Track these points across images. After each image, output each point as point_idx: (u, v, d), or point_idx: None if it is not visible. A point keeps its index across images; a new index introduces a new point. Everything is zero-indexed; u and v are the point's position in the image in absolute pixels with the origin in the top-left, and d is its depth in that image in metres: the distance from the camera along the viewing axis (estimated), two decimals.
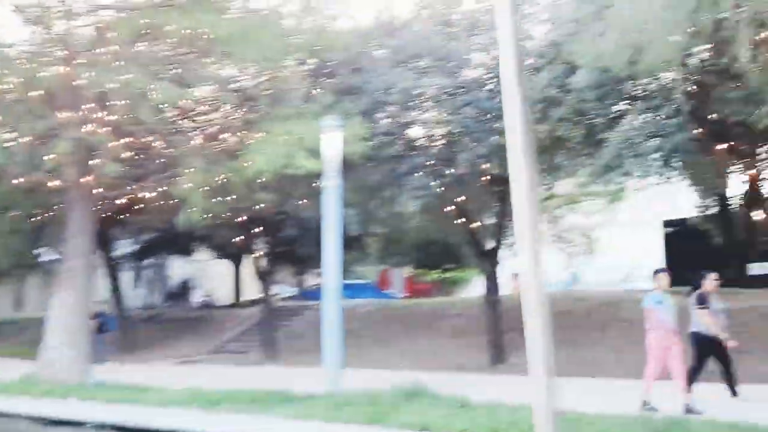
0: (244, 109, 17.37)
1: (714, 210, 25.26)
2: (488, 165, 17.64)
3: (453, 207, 18.56)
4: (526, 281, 6.61)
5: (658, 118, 12.56)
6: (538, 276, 6.48)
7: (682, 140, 12.11)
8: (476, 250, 19.38)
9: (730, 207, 22.68)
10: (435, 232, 25.63)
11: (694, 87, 12.06)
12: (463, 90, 15.85)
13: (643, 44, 9.69)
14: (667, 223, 33.26)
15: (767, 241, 25.28)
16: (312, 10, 17.69)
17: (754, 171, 15.06)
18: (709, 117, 12.64)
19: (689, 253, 30.11)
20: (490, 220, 19.56)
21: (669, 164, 12.41)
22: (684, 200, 29.56)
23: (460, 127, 15.43)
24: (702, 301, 10.75)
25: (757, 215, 18.73)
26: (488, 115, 15.31)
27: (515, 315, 20.41)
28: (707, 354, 10.73)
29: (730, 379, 11.10)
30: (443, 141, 16.50)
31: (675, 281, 34.43)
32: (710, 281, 11.08)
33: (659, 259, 34.20)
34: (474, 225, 19.25)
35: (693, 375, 10.60)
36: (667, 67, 10.52)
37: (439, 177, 16.33)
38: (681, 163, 12.87)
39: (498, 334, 18.73)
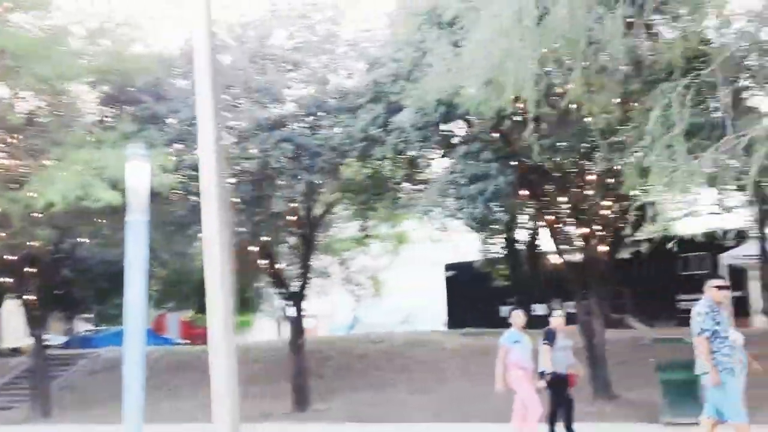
0: (27, 133, 15.42)
1: (501, 253, 26.55)
2: (296, 205, 17.13)
3: (258, 247, 17.73)
4: (215, 327, 6.23)
5: (475, 162, 12.76)
6: (228, 324, 6.15)
7: (502, 184, 12.37)
8: (281, 292, 18.62)
9: (518, 251, 23.92)
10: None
11: (514, 131, 12.43)
12: (273, 125, 15.17)
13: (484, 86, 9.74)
14: (449, 266, 34.44)
15: (551, 284, 26.91)
16: (106, 32, 16.29)
17: (552, 217, 15.79)
18: (524, 162, 13.07)
19: (470, 295, 31.41)
20: (296, 262, 18.95)
21: (489, 207, 12.59)
22: (467, 244, 30.77)
23: (273, 163, 14.71)
24: (548, 338, 10.72)
25: (552, 260, 19.75)
26: (301, 153, 14.80)
27: (316, 359, 19.90)
28: (562, 391, 10.71)
29: (568, 419, 11.09)
30: (253, 177, 15.65)
31: (454, 323, 35.43)
32: (557, 318, 11.07)
33: (441, 302, 35.39)
34: (279, 266, 18.57)
35: (556, 415, 10.57)
36: (496, 111, 10.67)
37: (250, 215, 15.44)
38: (499, 206, 13.12)
39: (303, 379, 18.01)
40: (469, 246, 31.26)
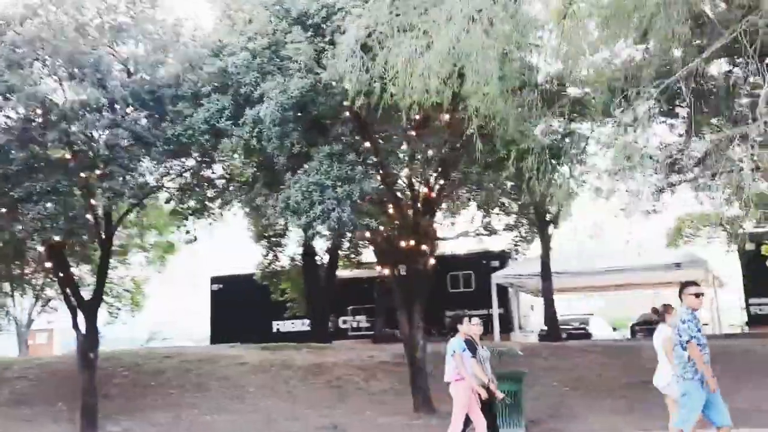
0: None
1: (286, 266, 25.93)
2: (96, 202, 15.16)
3: (46, 248, 15.44)
4: None
5: (339, 164, 12.23)
6: None
7: (369, 188, 11.96)
8: (69, 300, 16.29)
9: (311, 262, 23.40)
10: None
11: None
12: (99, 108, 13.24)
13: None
14: (216, 279, 33.12)
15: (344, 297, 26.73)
16: None
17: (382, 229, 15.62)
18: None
19: (240, 309, 30.32)
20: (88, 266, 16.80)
21: (361, 212, 12.06)
22: (235, 256, 29.71)
23: (103, 150, 12.83)
24: (470, 350, 10.18)
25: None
26: (129, 142, 13.13)
27: (99, 376, 17.71)
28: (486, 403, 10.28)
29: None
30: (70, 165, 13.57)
31: (219, 338, 33.94)
32: (476, 326, 10.54)
33: (205, 315, 33.81)
34: (69, 271, 16.29)
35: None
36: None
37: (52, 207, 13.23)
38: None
39: (93, 398, 15.88)
40: (242, 257, 30.26)
